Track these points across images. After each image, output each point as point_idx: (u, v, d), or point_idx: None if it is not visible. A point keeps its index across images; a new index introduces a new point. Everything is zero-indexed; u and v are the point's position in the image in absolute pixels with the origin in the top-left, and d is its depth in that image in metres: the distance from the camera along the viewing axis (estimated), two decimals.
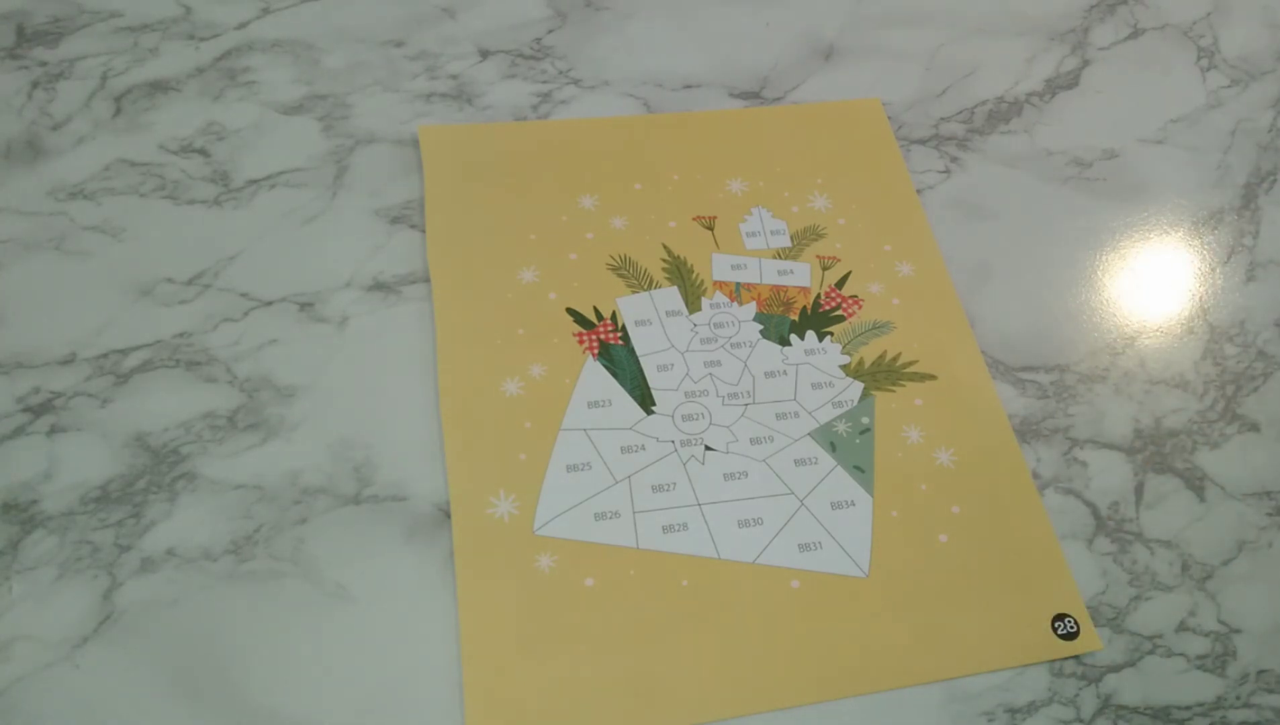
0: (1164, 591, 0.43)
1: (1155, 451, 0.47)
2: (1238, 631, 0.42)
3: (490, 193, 0.52)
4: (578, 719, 0.38)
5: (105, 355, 0.45)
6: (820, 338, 0.49)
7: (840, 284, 0.51)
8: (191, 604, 0.39)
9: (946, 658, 0.41)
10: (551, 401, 0.45)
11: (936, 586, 0.42)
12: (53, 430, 0.43)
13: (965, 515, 0.44)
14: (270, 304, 0.47)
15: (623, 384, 0.46)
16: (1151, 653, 0.42)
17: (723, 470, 0.44)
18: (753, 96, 0.58)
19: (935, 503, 0.44)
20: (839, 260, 0.51)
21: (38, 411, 0.43)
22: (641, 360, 0.47)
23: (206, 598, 0.39)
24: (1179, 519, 0.45)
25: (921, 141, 0.57)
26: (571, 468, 0.43)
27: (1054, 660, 0.41)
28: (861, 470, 0.45)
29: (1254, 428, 0.48)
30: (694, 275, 0.50)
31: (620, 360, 0.47)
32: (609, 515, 0.42)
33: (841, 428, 0.46)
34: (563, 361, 0.46)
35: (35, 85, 0.54)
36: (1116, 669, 0.41)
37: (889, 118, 0.58)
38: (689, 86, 0.58)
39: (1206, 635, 0.42)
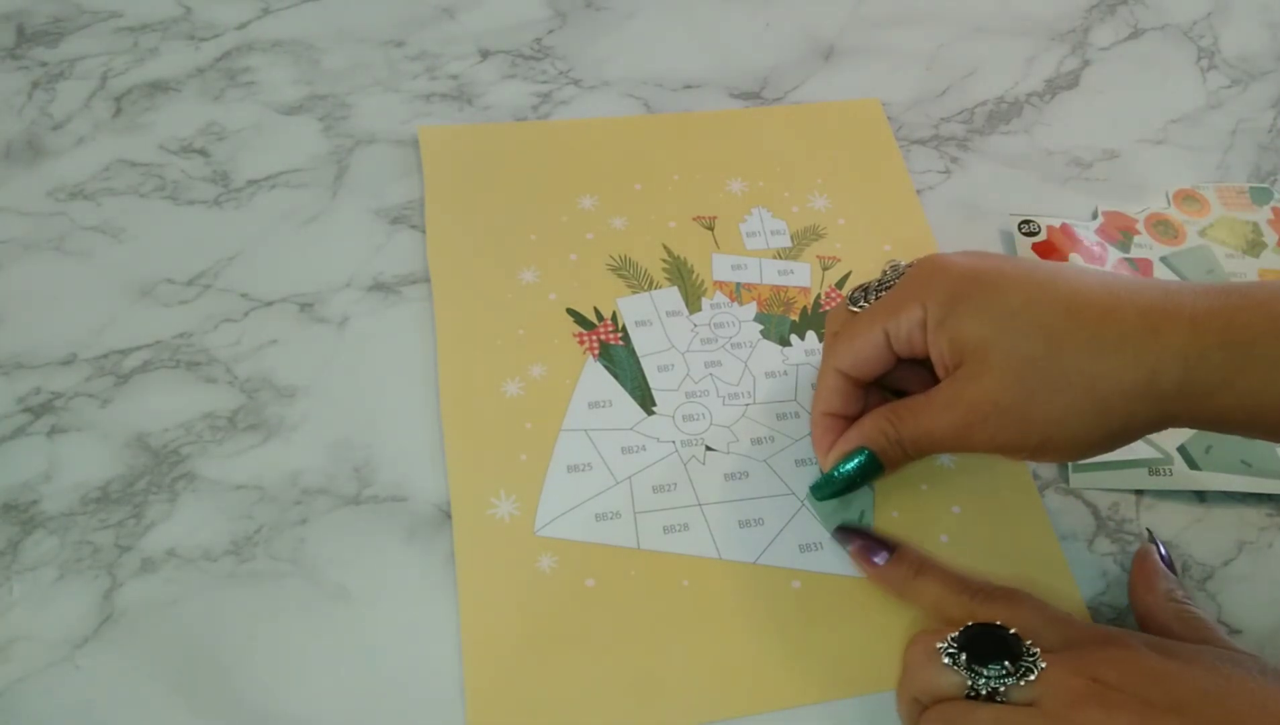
0: None
1: None
2: (1238, 632, 0.42)
3: (490, 193, 0.52)
4: (578, 719, 0.38)
5: (105, 355, 0.45)
6: (820, 338, 0.49)
7: (840, 284, 0.51)
8: (192, 604, 0.39)
9: None
10: (552, 402, 0.45)
11: None
12: (53, 431, 0.43)
13: (965, 515, 0.44)
14: (270, 304, 0.47)
15: (623, 384, 0.46)
16: None
17: (723, 471, 0.44)
18: (753, 96, 0.58)
19: (935, 503, 0.44)
20: (839, 260, 0.51)
21: (38, 412, 0.43)
22: (642, 361, 0.47)
23: (207, 598, 0.39)
24: (1179, 519, 0.45)
25: (921, 141, 0.58)
26: (572, 468, 0.43)
27: None
28: None
29: None
30: (694, 275, 0.50)
31: (621, 361, 0.47)
32: (610, 516, 0.42)
33: None
34: (563, 362, 0.46)
35: (35, 85, 0.54)
36: None
37: (889, 118, 0.58)
38: (689, 86, 0.58)
39: None
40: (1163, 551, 0.41)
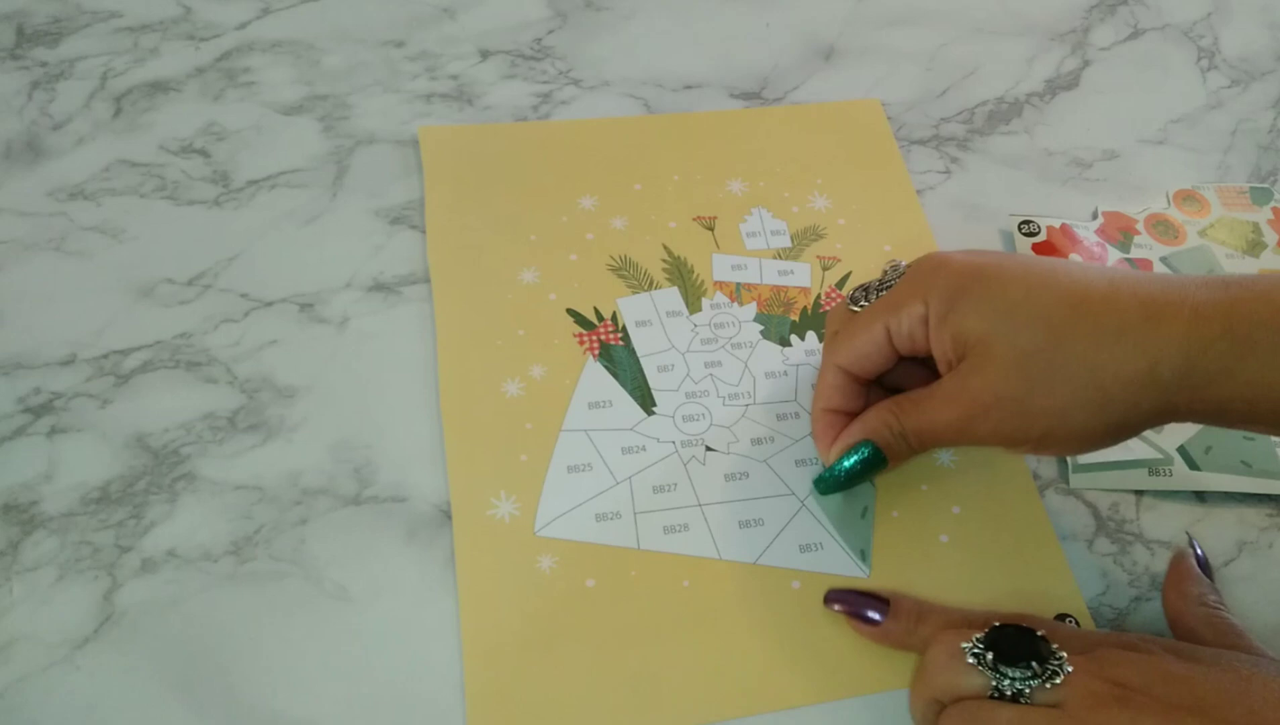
0: None
1: None
2: None
3: (490, 193, 0.52)
4: (579, 719, 0.38)
5: (105, 356, 0.45)
6: (820, 338, 0.49)
7: (840, 284, 0.51)
8: (192, 605, 0.39)
9: None
10: (552, 402, 0.45)
11: (937, 587, 0.42)
12: (53, 431, 0.43)
13: (965, 515, 0.44)
14: (270, 304, 0.47)
15: (623, 385, 0.46)
16: None
17: (723, 471, 0.44)
18: (753, 96, 0.58)
19: (935, 503, 0.44)
20: (839, 260, 0.51)
21: (38, 412, 0.43)
22: (642, 361, 0.47)
23: (207, 598, 0.39)
24: (1179, 520, 0.45)
25: (921, 142, 0.58)
26: (572, 469, 0.43)
27: None
28: None
29: None
30: (694, 276, 0.50)
31: (621, 361, 0.47)
32: (610, 516, 0.42)
33: None
34: (563, 362, 0.46)
35: (35, 85, 0.54)
36: None
37: (889, 118, 0.58)
38: (689, 86, 0.58)
39: None
40: (1199, 553, 0.41)
